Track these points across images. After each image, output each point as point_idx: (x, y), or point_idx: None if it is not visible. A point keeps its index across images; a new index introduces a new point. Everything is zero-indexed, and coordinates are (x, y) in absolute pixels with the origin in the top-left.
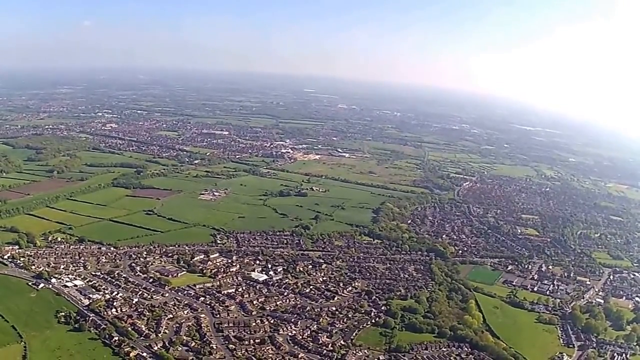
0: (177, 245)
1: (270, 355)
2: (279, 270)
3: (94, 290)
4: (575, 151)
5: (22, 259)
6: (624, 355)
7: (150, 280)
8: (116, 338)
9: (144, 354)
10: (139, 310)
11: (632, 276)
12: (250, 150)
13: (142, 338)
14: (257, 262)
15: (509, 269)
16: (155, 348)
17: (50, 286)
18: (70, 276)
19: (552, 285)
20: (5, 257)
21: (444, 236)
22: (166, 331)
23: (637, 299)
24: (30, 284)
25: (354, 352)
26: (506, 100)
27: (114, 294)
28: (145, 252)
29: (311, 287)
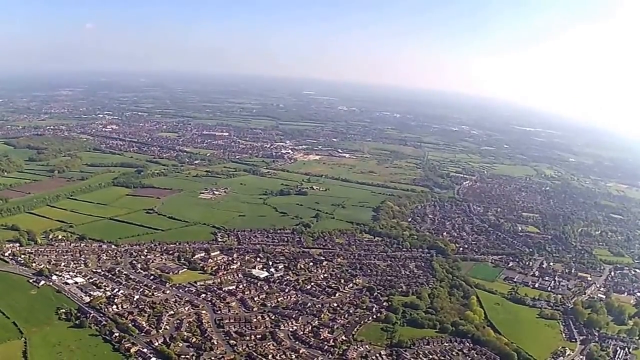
0: (177, 243)
1: (271, 351)
2: (279, 267)
3: (94, 287)
4: (575, 151)
5: (22, 256)
6: (626, 349)
7: (151, 277)
8: (117, 334)
9: (145, 350)
10: (140, 306)
11: (633, 272)
12: (250, 151)
13: (142, 334)
14: (258, 259)
15: (510, 265)
16: (156, 344)
17: (51, 283)
18: (71, 273)
19: (553, 282)
20: (6, 254)
21: (444, 234)
22: (167, 327)
23: (638, 294)
24: (30, 281)
25: (356, 347)
26: (507, 103)
27: (114, 291)
28: (146, 250)
29: (312, 283)
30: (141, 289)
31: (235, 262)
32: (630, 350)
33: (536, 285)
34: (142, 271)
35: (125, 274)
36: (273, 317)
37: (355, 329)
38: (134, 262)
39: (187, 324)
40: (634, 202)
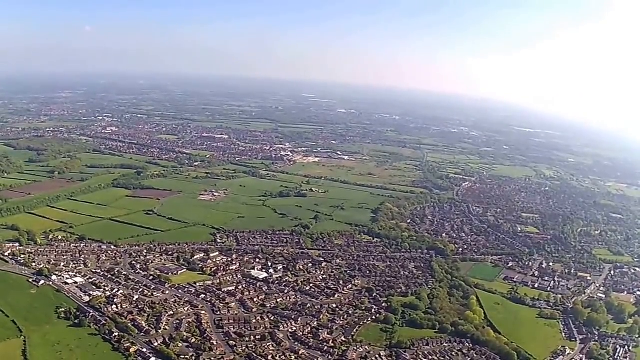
0: (177, 244)
1: (270, 352)
2: (279, 268)
3: (94, 287)
4: (575, 152)
5: (22, 256)
6: (626, 347)
7: (151, 277)
8: (116, 334)
9: (144, 350)
10: (140, 306)
11: (632, 271)
12: (249, 153)
13: (142, 334)
14: (257, 260)
15: (509, 265)
16: (156, 344)
17: (51, 283)
18: (70, 273)
19: (553, 282)
20: (6, 254)
21: (443, 235)
22: (166, 327)
23: (638, 293)
24: (30, 280)
25: (355, 348)
26: (505, 104)
27: (114, 291)
28: (145, 251)
29: (311, 284)
30: (141, 289)
31: (234, 263)
32: (630, 348)
33: (536, 285)
34: (141, 272)
35: (124, 275)
36: (272, 318)
37: (355, 330)
38: (134, 262)
39: (187, 325)
40: (634, 201)
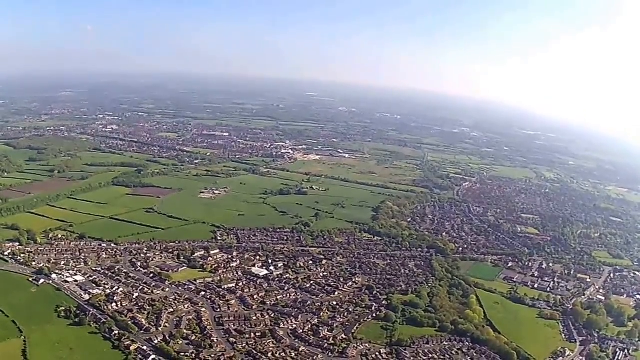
0: (177, 242)
1: (271, 349)
2: (279, 265)
3: (94, 285)
4: (575, 155)
5: (22, 255)
6: (626, 351)
7: (151, 275)
8: (116, 332)
9: (145, 348)
10: (140, 304)
11: (632, 275)
12: (250, 151)
13: (142, 332)
14: (258, 258)
15: (509, 265)
16: (156, 341)
17: (51, 282)
18: (70, 272)
19: (552, 282)
20: (6, 253)
21: (444, 234)
22: (167, 325)
23: (638, 296)
24: (30, 279)
25: (355, 345)
26: (506, 107)
27: (114, 289)
28: (145, 249)
29: (312, 282)
30: (141, 287)
31: (234, 260)
32: (630, 352)
33: (535, 286)
34: (141, 269)
35: (125, 272)
36: (273, 315)
37: (355, 328)
38: (134, 260)
39: (187, 322)
40: (634, 206)
